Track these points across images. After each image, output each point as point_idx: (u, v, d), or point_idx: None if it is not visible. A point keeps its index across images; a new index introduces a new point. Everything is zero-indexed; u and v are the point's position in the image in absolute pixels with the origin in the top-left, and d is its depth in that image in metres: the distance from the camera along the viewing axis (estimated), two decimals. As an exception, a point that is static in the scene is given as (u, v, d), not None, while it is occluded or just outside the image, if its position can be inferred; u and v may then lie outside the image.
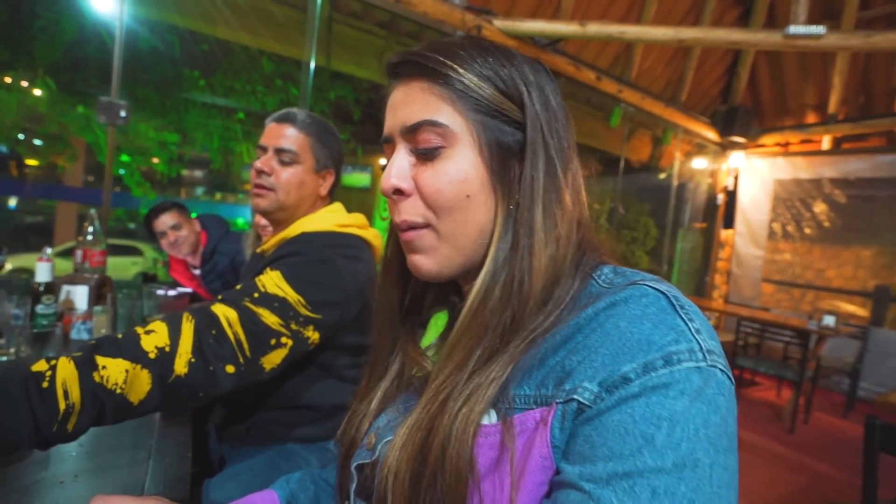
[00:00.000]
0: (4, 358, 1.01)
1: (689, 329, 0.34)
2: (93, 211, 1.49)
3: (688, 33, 3.00)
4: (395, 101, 0.44)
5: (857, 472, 1.10)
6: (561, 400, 0.34)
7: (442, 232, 0.42)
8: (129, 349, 0.64)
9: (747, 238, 5.08)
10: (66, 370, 0.57)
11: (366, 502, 0.46)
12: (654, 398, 0.31)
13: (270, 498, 0.57)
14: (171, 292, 2.01)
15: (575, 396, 0.34)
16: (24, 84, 3.99)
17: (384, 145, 0.46)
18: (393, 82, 0.45)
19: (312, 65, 2.67)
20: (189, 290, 2.11)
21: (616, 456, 0.31)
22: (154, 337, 0.67)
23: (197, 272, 2.10)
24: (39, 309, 1.20)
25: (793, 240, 4.76)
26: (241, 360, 0.73)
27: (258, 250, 1.05)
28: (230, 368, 0.72)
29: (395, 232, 0.50)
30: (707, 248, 5.34)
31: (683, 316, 0.34)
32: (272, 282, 0.81)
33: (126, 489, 0.65)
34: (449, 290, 0.53)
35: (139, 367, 0.63)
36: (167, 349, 0.67)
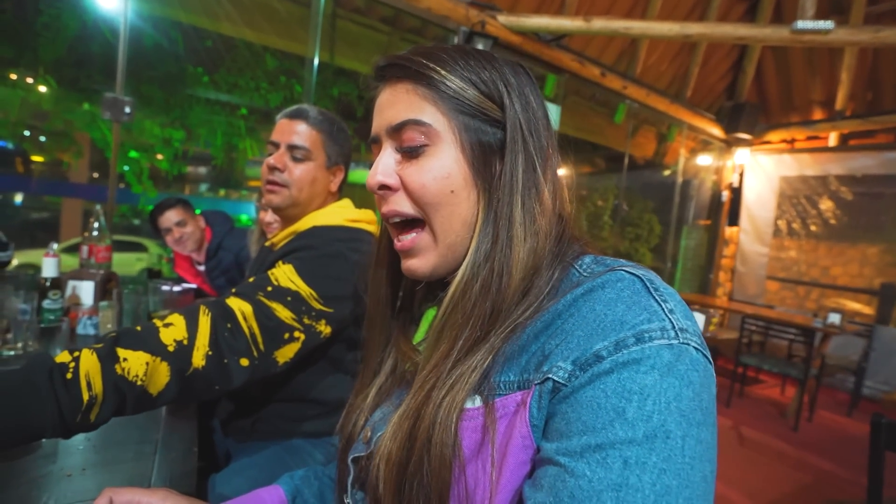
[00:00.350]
0: (12, 353, 1.02)
1: (663, 309, 0.34)
2: (98, 207, 1.50)
3: (694, 28, 2.97)
4: (382, 103, 0.46)
5: (861, 470, 1.10)
6: (538, 381, 0.36)
7: (437, 230, 0.44)
8: (149, 342, 0.65)
9: (752, 235, 5.05)
10: (89, 362, 0.58)
11: (362, 492, 0.47)
12: (626, 373, 0.32)
13: (276, 493, 0.57)
14: (176, 288, 2.03)
15: (550, 376, 0.35)
16: (30, 81, 4.01)
17: (372, 145, 0.48)
18: (380, 85, 0.47)
19: (316, 61, 2.67)
20: (194, 286, 2.13)
21: (589, 430, 0.32)
22: (172, 330, 0.68)
23: (201, 268, 2.11)
24: (46, 304, 1.21)
25: (798, 237, 4.72)
26: (256, 353, 0.74)
27: (267, 243, 1.06)
28: (244, 362, 0.73)
29: (386, 232, 0.51)
30: (711, 245, 5.31)
31: (657, 297, 0.35)
32: (285, 275, 0.82)
33: (132, 483, 0.66)
34: (436, 284, 0.53)
35: (159, 359, 0.64)
36: (185, 342, 0.68)
